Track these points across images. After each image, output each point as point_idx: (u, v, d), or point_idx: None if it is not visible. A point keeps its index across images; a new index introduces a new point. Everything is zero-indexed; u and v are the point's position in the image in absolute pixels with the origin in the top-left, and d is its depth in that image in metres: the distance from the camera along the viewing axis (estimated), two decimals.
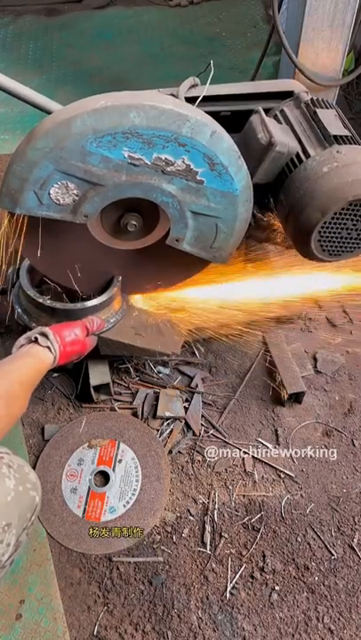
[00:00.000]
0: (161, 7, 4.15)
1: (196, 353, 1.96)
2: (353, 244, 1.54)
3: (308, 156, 1.49)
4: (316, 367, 1.94)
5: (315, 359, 1.96)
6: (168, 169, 1.30)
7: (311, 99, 1.63)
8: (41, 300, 1.57)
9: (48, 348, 1.32)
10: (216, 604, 1.44)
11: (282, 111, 1.63)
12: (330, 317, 2.09)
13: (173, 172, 1.31)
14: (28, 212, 1.33)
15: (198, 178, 1.33)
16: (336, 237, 1.50)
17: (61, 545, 1.52)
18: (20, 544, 1.15)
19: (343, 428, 1.78)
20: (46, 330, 1.35)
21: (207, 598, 1.45)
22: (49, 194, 1.30)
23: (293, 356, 1.90)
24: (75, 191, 1.31)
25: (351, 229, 1.49)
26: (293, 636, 1.39)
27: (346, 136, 1.51)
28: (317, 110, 1.57)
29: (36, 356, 1.31)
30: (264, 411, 1.82)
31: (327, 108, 1.61)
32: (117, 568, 1.49)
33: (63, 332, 1.39)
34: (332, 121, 1.55)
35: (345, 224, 1.48)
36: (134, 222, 1.46)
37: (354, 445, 1.74)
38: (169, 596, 1.45)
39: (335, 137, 1.50)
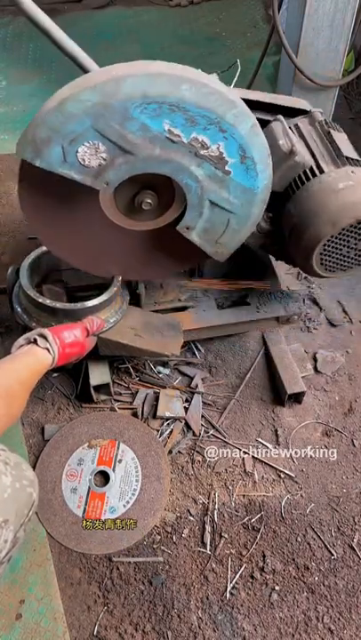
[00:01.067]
0: (161, 7, 4.15)
1: (196, 353, 1.96)
2: (349, 262, 1.59)
3: (321, 171, 1.53)
4: (316, 367, 1.94)
5: (315, 359, 1.96)
6: (202, 152, 1.28)
7: (325, 119, 1.68)
8: (41, 300, 1.57)
9: (47, 349, 1.32)
10: (216, 604, 1.44)
11: (296, 126, 1.66)
12: (330, 317, 2.09)
13: (206, 156, 1.29)
14: (49, 167, 1.25)
15: (227, 168, 1.32)
16: (337, 254, 1.55)
17: (61, 545, 1.52)
18: (18, 540, 1.16)
19: (343, 428, 1.78)
20: (45, 331, 1.35)
21: (207, 598, 1.45)
22: (77, 152, 1.23)
23: (293, 356, 1.90)
24: (103, 154, 1.25)
25: (352, 248, 1.54)
26: (293, 636, 1.39)
27: (357, 160, 1.57)
28: (331, 131, 1.62)
29: (35, 356, 1.31)
30: (264, 411, 1.82)
31: (339, 131, 1.67)
32: (117, 568, 1.49)
33: (62, 334, 1.39)
34: (345, 143, 1.61)
35: (348, 242, 1.51)
36: (149, 200, 1.43)
37: (354, 445, 1.74)
38: (169, 596, 1.45)
39: (348, 158, 1.55)
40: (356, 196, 1.46)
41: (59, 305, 1.57)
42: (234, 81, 1.52)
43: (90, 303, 1.59)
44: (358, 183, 1.48)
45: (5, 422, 1.16)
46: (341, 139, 1.63)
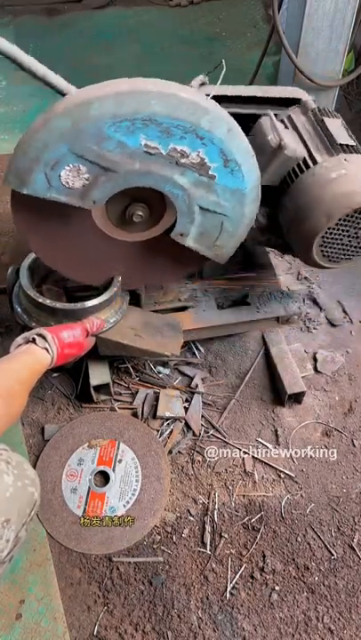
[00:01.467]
0: (161, 7, 4.15)
1: (196, 353, 1.96)
2: (352, 251, 1.56)
3: (315, 162, 1.50)
4: (316, 367, 1.94)
5: (315, 359, 1.96)
6: (182, 161, 1.29)
7: (318, 107, 1.65)
8: (41, 300, 1.57)
9: (46, 349, 1.32)
10: (216, 604, 1.44)
11: (289, 117, 1.64)
12: (330, 317, 2.09)
13: (187, 164, 1.30)
14: (36, 194, 1.29)
15: (211, 173, 1.33)
16: (338, 244, 1.52)
17: (61, 545, 1.52)
18: (20, 540, 1.16)
19: (343, 428, 1.78)
20: (44, 331, 1.35)
21: (207, 598, 1.45)
22: (59, 176, 1.26)
23: (293, 356, 1.90)
24: (86, 175, 1.28)
25: (353, 237, 1.51)
26: (293, 636, 1.39)
27: (352, 145, 1.54)
28: (325, 119, 1.59)
29: (34, 356, 1.31)
30: (264, 411, 1.82)
31: (333, 117, 1.63)
32: (117, 568, 1.49)
33: (61, 334, 1.39)
34: (339, 130, 1.57)
35: (348, 231, 1.49)
36: (140, 213, 1.44)
37: (354, 445, 1.74)
38: (169, 596, 1.45)
39: (342, 146, 1.51)
40: (349, 185, 1.43)
41: (58, 305, 1.57)
42: (219, 81, 1.52)
43: (90, 303, 1.59)
44: (351, 172, 1.45)
45: (6, 422, 1.16)
46: (335, 125, 1.59)
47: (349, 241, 1.52)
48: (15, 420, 1.27)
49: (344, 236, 1.50)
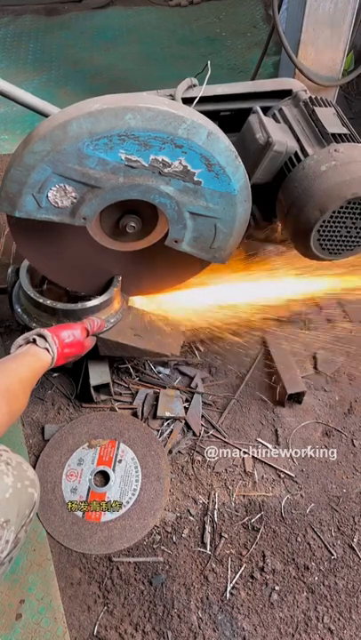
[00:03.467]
0: (161, 7, 4.15)
1: (196, 353, 1.96)
2: (353, 242, 1.53)
3: (306, 154, 1.48)
4: (316, 367, 1.94)
5: (315, 359, 1.96)
6: (165, 170, 1.30)
7: (310, 97, 1.62)
8: (41, 301, 1.57)
9: (46, 349, 1.33)
10: (216, 604, 1.44)
11: (280, 110, 1.62)
12: (330, 317, 2.09)
13: (171, 173, 1.31)
14: (28, 216, 1.34)
15: (196, 179, 1.33)
16: (336, 236, 1.50)
17: (61, 545, 1.52)
18: (19, 541, 1.16)
19: (343, 428, 1.78)
20: (44, 332, 1.35)
21: (207, 598, 1.45)
22: (47, 197, 1.31)
23: (293, 356, 1.90)
24: (73, 194, 1.31)
25: (351, 228, 1.49)
26: (293, 636, 1.39)
27: (345, 134, 1.51)
28: (316, 109, 1.57)
29: (35, 356, 1.31)
30: (264, 411, 1.82)
31: (326, 106, 1.61)
32: (117, 568, 1.49)
33: (62, 334, 1.39)
34: (331, 119, 1.55)
35: (344, 222, 1.47)
36: (133, 224, 1.46)
37: (354, 445, 1.74)
38: (169, 596, 1.45)
39: (333, 135, 1.49)
40: (339, 176, 1.41)
41: (59, 305, 1.58)
42: (205, 82, 1.53)
43: (90, 303, 1.59)
44: (342, 162, 1.43)
45: (7, 421, 1.16)
46: (327, 114, 1.56)
47: (348, 232, 1.50)
48: (16, 420, 1.27)
49: (341, 227, 1.48)
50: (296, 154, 1.50)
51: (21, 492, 1.15)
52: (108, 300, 1.62)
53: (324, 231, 1.47)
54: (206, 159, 1.30)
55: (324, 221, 1.44)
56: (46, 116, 1.37)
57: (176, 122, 1.24)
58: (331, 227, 1.47)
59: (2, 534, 1.08)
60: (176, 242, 1.48)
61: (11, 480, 1.13)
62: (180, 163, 1.29)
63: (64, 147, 1.23)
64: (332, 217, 1.44)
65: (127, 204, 1.40)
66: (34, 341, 1.33)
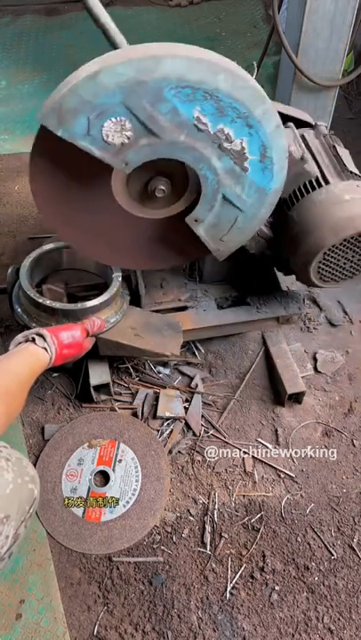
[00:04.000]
0: (161, 7, 4.15)
1: (196, 353, 1.96)
2: (343, 274, 1.64)
3: (327, 182, 1.56)
4: (316, 367, 1.94)
5: (315, 359, 1.96)
6: (225, 145, 1.28)
7: (330, 134, 1.72)
8: (40, 301, 1.57)
9: (44, 349, 1.33)
10: (216, 604, 1.44)
11: (302, 136, 1.69)
12: (330, 317, 2.09)
13: (228, 149, 1.29)
14: (70, 138, 1.20)
15: (245, 165, 1.33)
16: (334, 264, 1.59)
17: (61, 545, 1.52)
18: (19, 536, 1.16)
19: (343, 428, 1.78)
20: (43, 331, 1.35)
21: (207, 598, 1.45)
22: (102, 126, 1.20)
23: (293, 356, 1.90)
24: (128, 133, 1.23)
25: (348, 260, 1.58)
26: (293, 636, 1.39)
27: (359, 175, 1.61)
28: (336, 146, 1.67)
29: (34, 354, 1.31)
30: (264, 411, 1.82)
31: (341, 146, 1.71)
32: (117, 568, 1.49)
33: (61, 334, 1.39)
34: (348, 159, 1.65)
35: (346, 253, 1.55)
36: (163, 187, 1.41)
37: (354, 445, 1.74)
38: (169, 596, 1.45)
39: (352, 173, 1.60)
40: (359, 209, 1.49)
41: (58, 305, 1.57)
42: None
43: (90, 303, 1.59)
44: None
45: (5, 421, 1.16)
46: (345, 154, 1.67)
47: (344, 263, 1.59)
48: (14, 419, 1.27)
49: (342, 257, 1.56)
50: (317, 178, 1.57)
51: (22, 488, 1.15)
52: (107, 300, 1.62)
53: (329, 255, 1.55)
54: (264, 149, 1.30)
55: (333, 245, 1.51)
56: (115, 46, 1.29)
57: (259, 100, 1.23)
58: (336, 253, 1.55)
59: (2, 530, 1.08)
60: (196, 221, 1.45)
61: (11, 476, 1.13)
62: (241, 143, 1.28)
63: (148, 80, 1.14)
64: (341, 243, 1.51)
65: (163, 167, 1.37)
66: (33, 340, 1.33)
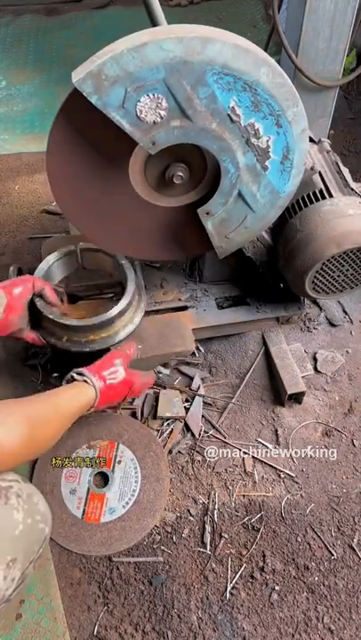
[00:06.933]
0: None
1: (196, 353, 1.96)
2: (336, 287, 1.67)
3: (330, 195, 1.60)
4: (316, 367, 1.94)
5: (315, 359, 1.96)
6: (252, 140, 1.29)
7: (332, 151, 1.76)
8: (43, 312, 1.55)
9: (87, 382, 1.37)
10: (216, 604, 1.44)
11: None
12: (330, 317, 2.09)
13: (254, 145, 1.30)
14: (103, 107, 1.18)
15: (266, 164, 1.34)
16: (330, 276, 1.61)
17: (61, 546, 1.52)
18: (26, 577, 1.12)
19: (343, 428, 1.78)
20: (82, 370, 1.40)
21: (207, 598, 1.45)
22: (138, 101, 1.18)
23: (293, 356, 1.90)
24: (163, 112, 1.20)
25: (343, 273, 1.61)
26: (293, 636, 1.39)
27: (359, 194, 1.66)
28: (338, 162, 1.72)
29: (79, 388, 1.35)
30: (264, 411, 1.82)
31: (343, 165, 1.75)
32: (117, 568, 1.49)
33: (102, 372, 1.42)
34: (349, 176, 1.70)
35: (343, 266, 1.58)
36: (181, 174, 1.39)
37: (354, 445, 1.74)
38: (169, 596, 1.45)
39: (353, 189, 1.65)
40: None
41: (51, 315, 1.54)
42: None
43: (97, 320, 1.55)
44: None
45: (27, 454, 1.16)
46: (346, 171, 1.70)
47: (338, 276, 1.62)
48: (44, 450, 1.24)
49: (338, 269, 1.59)
50: (321, 190, 1.61)
51: (32, 529, 1.11)
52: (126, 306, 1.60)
53: (327, 266, 1.57)
54: (287, 150, 1.31)
55: (333, 257, 1.53)
56: (155, 23, 1.28)
57: (293, 101, 1.23)
58: (333, 265, 1.57)
59: (7, 573, 1.04)
60: (207, 214, 1.45)
61: (21, 516, 1.09)
62: (268, 141, 1.29)
63: (193, 60, 1.13)
64: (340, 256, 1.54)
65: (182, 155, 1.36)
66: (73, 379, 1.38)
